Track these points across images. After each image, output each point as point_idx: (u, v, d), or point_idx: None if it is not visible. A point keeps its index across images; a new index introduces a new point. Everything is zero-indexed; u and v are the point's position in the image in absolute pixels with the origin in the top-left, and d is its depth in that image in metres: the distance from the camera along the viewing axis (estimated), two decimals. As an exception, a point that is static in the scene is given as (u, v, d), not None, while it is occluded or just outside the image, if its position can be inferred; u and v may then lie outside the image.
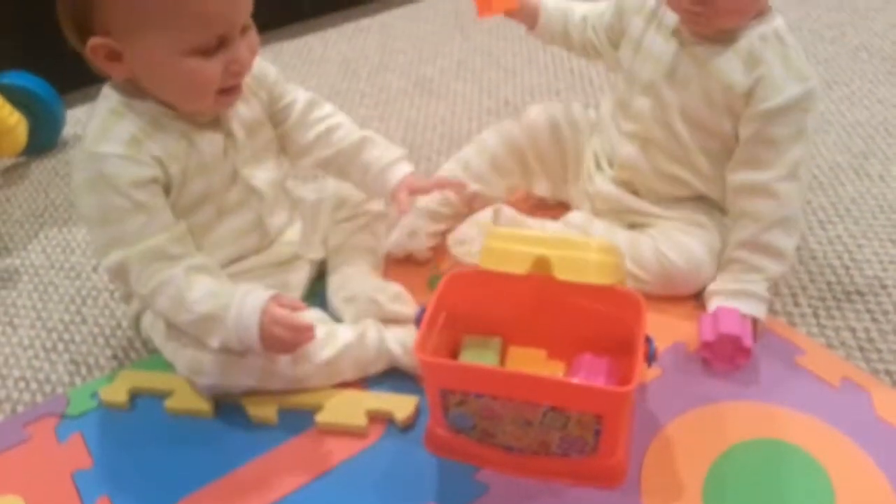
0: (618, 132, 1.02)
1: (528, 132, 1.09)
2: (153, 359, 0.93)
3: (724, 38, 0.89)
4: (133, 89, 0.81)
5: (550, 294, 0.80)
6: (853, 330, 0.93)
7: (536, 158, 1.09)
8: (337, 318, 0.94)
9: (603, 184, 1.04)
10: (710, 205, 0.99)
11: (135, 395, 0.89)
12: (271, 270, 0.94)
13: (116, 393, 0.89)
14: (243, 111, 0.89)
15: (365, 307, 0.92)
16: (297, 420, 0.85)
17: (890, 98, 1.44)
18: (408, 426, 0.83)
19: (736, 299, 0.89)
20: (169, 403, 0.87)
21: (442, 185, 1.00)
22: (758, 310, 0.89)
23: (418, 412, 0.84)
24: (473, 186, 1.06)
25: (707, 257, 0.95)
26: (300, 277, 0.97)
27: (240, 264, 0.91)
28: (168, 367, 0.89)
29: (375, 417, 0.84)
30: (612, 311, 0.80)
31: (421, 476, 0.79)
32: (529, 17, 1.08)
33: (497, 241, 0.79)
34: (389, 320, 0.91)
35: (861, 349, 0.90)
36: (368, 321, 0.90)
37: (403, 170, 0.95)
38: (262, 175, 0.91)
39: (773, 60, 0.86)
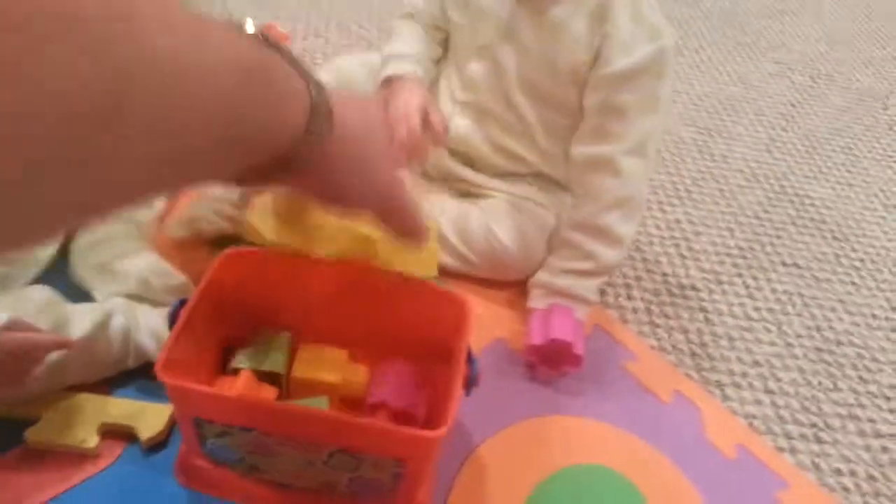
0: (451, 101, 0.85)
1: (339, 82, 0.90)
2: None
3: None
4: None
5: (356, 282, 0.63)
6: (686, 332, 0.86)
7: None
8: (80, 289, 0.71)
9: (445, 162, 0.87)
10: (550, 182, 0.87)
11: None
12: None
13: None
14: None
15: (131, 290, 0.70)
16: (4, 433, 0.62)
17: (739, 71, 1.39)
18: (154, 446, 0.64)
19: (561, 299, 0.77)
20: None
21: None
22: (582, 313, 0.78)
23: (171, 428, 0.65)
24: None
25: (542, 242, 0.83)
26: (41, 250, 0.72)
27: None
28: None
29: (111, 433, 0.64)
30: (431, 312, 0.64)
31: (167, 516, 0.60)
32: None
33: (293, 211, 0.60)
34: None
35: (693, 355, 0.83)
36: (116, 301, 0.68)
37: None
38: None
39: (620, 14, 0.73)
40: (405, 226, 0.47)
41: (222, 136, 0.31)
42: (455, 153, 0.87)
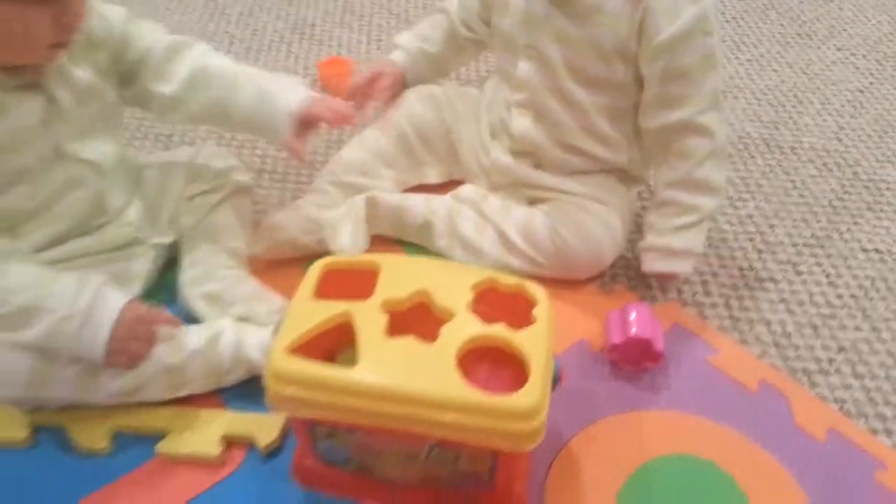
0: (506, 106, 0.90)
1: (408, 117, 0.96)
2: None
3: None
4: None
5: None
6: (768, 323, 0.86)
7: (422, 143, 0.97)
8: (190, 316, 0.78)
9: (500, 155, 0.92)
10: (615, 179, 0.90)
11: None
12: (106, 257, 0.78)
13: None
14: (77, 74, 0.71)
15: (238, 315, 0.77)
16: (136, 448, 0.70)
17: (798, 62, 1.39)
18: (272, 452, 0.70)
19: (674, 258, 0.83)
20: (-33, 431, 0.69)
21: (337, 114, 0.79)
22: (689, 266, 0.85)
23: (285, 435, 0.71)
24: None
25: (607, 239, 0.87)
26: (142, 266, 0.80)
27: (62, 247, 0.74)
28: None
29: (233, 443, 0.70)
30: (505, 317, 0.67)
31: (287, 515, 0.66)
32: (398, 86, 0.98)
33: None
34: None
35: (777, 345, 0.84)
36: (225, 321, 0.75)
37: (295, 95, 0.77)
38: (96, 147, 0.74)
39: None
40: None
41: None
42: (520, 154, 0.91)
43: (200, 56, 0.80)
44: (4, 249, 0.67)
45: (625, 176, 0.91)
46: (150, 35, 0.78)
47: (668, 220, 0.83)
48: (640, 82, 0.82)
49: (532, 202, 0.92)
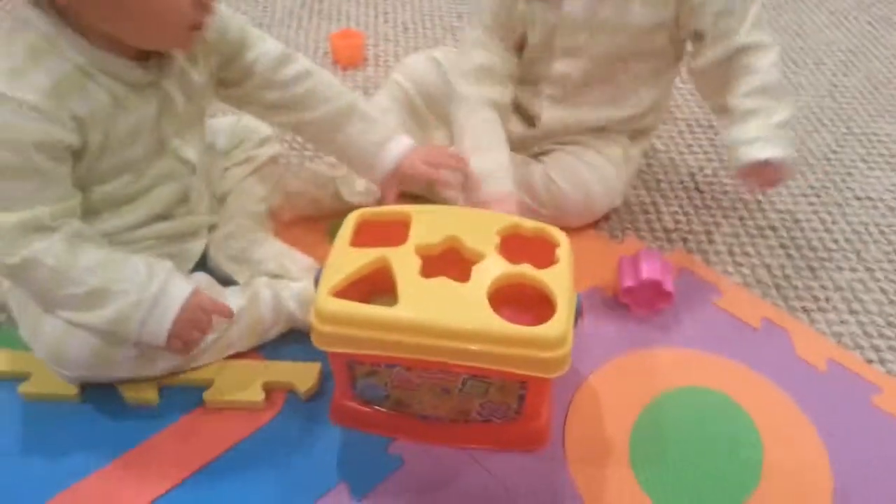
0: (534, 96, 0.93)
1: (412, 81, 0.99)
2: (2, 332, 0.79)
3: None
4: (67, 19, 0.63)
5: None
6: (768, 267, 0.92)
7: (429, 107, 1.00)
8: (219, 275, 0.82)
9: (514, 127, 0.95)
10: (624, 134, 0.94)
11: (-20, 380, 0.75)
12: (172, 239, 0.80)
13: (-43, 379, 0.74)
14: (192, 75, 0.74)
15: (270, 272, 0.81)
16: (182, 398, 0.74)
17: (792, 25, 1.43)
18: (311, 397, 0.75)
19: (782, 146, 0.81)
20: (24, 388, 0.74)
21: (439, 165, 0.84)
22: (784, 150, 0.82)
23: (322, 379, 0.75)
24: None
25: (599, 188, 0.91)
26: (199, 246, 0.83)
27: (143, 229, 0.76)
28: (19, 342, 0.74)
29: (273, 389, 0.75)
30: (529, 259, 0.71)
31: (329, 453, 0.71)
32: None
33: None
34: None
35: (777, 287, 0.89)
36: (260, 280, 0.79)
37: (399, 147, 0.83)
38: (192, 144, 0.77)
39: None
40: None
41: None
42: (544, 137, 0.94)
43: (308, 73, 0.82)
44: (81, 230, 0.68)
45: (633, 132, 0.95)
46: (262, 43, 0.80)
47: (759, 120, 0.82)
48: (676, 42, 0.86)
49: (534, 154, 0.96)
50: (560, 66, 0.89)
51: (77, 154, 0.67)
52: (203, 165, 0.80)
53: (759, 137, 0.81)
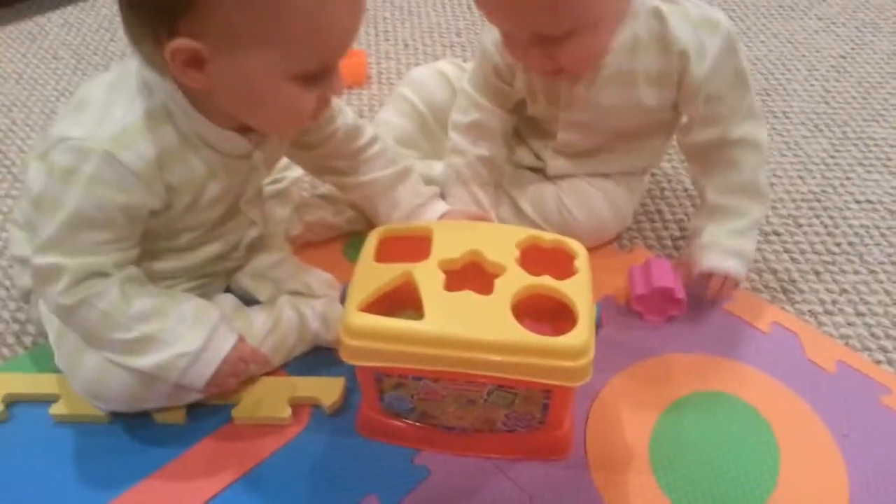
0: (542, 144, 0.94)
1: (420, 95, 1.01)
2: (31, 355, 0.81)
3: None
4: (187, 91, 0.65)
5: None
6: (775, 272, 0.94)
7: (439, 124, 1.01)
8: (239, 293, 0.84)
9: (523, 157, 0.97)
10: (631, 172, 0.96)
11: (10, 403, 0.76)
12: (215, 277, 0.82)
13: (-13, 403, 0.76)
14: (281, 146, 0.77)
15: (292, 290, 0.82)
16: (210, 416, 0.75)
17: (783, 32, 1.46)
18: (336, 411, 0.76)
19: (731, 258, 0.84)
20: (55, 409, 0.75)
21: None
22: (744, 269, 0.85)
23: (346, 394, 0.77)
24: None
25: (612, 217, 0.93)
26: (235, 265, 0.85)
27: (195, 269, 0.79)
28: (50, 365, 0.76)
29: (299, 405, 0.76)
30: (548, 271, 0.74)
31: (356, 466, 0.72)
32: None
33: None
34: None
35: (784, 291, 0.91)
36: (283, 300, 0.81)
37: (436, 211, 0.85)
38: (256, 203, 0.80)
39: (679, 27, 0.79)
40: None
41: None
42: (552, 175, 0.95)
43: (371, 143, 0.85)
44: (135, 275, 0.69)
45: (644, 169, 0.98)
46: (341, 115, 0.82)
47: (720, 224, 0.85)
48: (674, 106, 0.86)
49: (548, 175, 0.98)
50: (564, 136, 0.90)
51: (156, 213, 0.68)
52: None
53: (717, 244, 0.84)
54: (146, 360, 0.68)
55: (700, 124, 0.85)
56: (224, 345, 0.70)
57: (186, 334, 0.68)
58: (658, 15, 0.80)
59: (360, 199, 0.89)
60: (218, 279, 0.82)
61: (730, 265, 0.83)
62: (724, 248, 0.84)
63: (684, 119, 0.88)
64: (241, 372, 0.72)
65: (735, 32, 0.82)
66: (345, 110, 0.83)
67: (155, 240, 0.72)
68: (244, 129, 0.70)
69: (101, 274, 0.66)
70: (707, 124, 0.84)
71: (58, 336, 0.73)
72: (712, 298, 0.86)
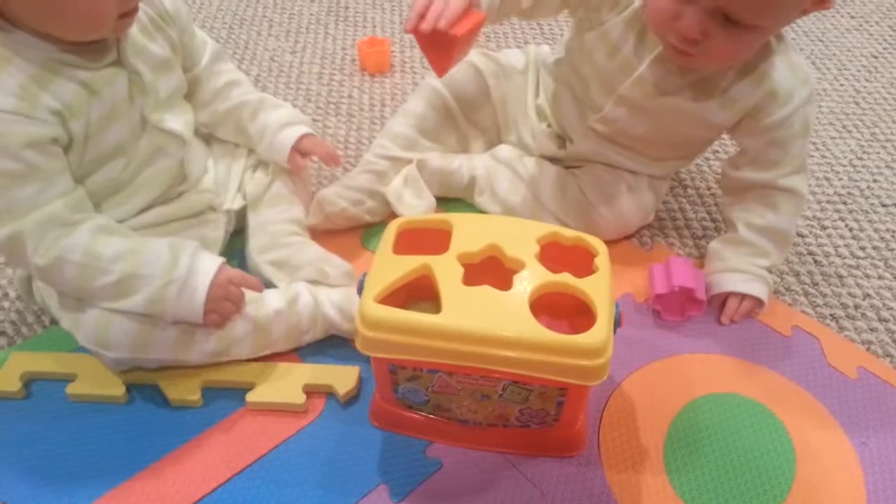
0: (578, 122, 0.93)
1: (451, 88, 0.99)
2: (49, 334, 0.82)
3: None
4: (15, 24, 0.66)
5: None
6: (797, 274, 0.92)
7: (465, 117, 1.00)
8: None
9: (547, 144, 0.97)
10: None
11: (29, 381, 0.77)
12: (185, 223, 0.84)
13: (6, 379, 0.76)
14: (152, 48, 0.77)
15: (310, 277, 0.82)
16: (225, 400, 0.76)
17: (814, 31, 1.43)
18: (350, 400, 0.76)
19: (753, 282, 0.84)
20: (71, 388, 0.76)
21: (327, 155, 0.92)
22: (764, 292, 0.85)
23: (361, 383, 0.77)
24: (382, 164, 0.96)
25: (636, 212, 0.92)
26: (216, 232, 0.86)
27: (147, 214, 0.80)
28: (68, 344, 0.77)
29: (314, 392, 0.76)
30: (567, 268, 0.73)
31: (368, 455, 0.72)
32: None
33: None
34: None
35: (806, 294, 0.90)
36: (301, 284, 0.81)
37: (300, 130, 0.89)
38: (176, 117, 0.80)
39: (781, 70, 0.80)
40: None
41: None
42: (568, 161, 0.95)
43: (234, 70, 0.91)
44: (105, 224, 0.71)
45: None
46: (199, 32, 0.87)
47: (743, 257, 0.85)
48: (728, 130, 0.86)
49: (568, 166, 0.97)
50: (612, 111, 0.88)
51: (65, 146, 0.70)
52: (194, 138, 0.84)
53: (739, 269, 0.84)
54: (137, 299, 0.70)
55: (752, 163, 0.85)
56: (209, 266, 0.72)
57: (168, 265, 0.70)
58: (767, 47, 0.80)
59: (233, 132, 0.91)
60: (207, 225, 0.85)
61: (752, 288, 0.84)
62: (745, 271, 0.84)
63: (736, 150, 0.88)
64: (235, 295, 0.73)
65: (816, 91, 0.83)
66: (203, 34, 0.88)
67: (83, 181, 0.73)
68: (92, 46, 0.70)
69: (61, 223, 0.69)
70: (761, 166, 0.85)
71: (58, 302, 0.75)
72: (728, 320, 0.85)
